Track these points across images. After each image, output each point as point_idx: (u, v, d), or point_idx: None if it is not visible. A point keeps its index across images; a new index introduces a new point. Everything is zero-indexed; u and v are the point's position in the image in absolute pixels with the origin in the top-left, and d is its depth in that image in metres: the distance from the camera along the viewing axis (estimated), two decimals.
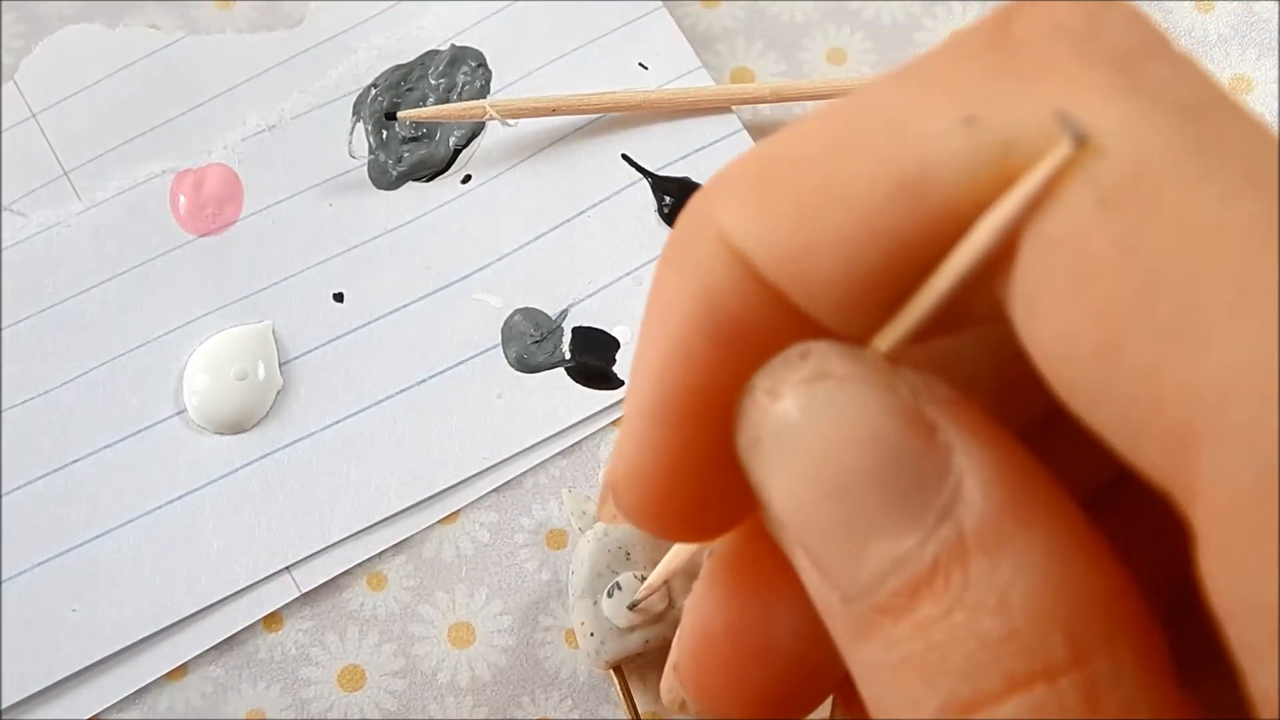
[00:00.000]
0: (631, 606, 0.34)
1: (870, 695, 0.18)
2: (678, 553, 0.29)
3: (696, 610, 0.23)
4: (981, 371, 0.20)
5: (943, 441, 0.17)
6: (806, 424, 0.17)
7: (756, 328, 0.18)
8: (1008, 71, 0.17)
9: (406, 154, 0.40)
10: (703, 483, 0.19)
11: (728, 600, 0.22)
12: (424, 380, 0.38)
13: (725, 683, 0.23)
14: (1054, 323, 0.16)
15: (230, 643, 0.36)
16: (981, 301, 0.17)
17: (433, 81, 0.41)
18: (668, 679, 0.30)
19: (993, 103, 0.16)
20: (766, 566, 0.20)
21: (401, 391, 0.38)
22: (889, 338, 0.17)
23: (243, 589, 0.36)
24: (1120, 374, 0.15)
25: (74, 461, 0.37)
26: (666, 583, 0.34)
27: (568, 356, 0.38)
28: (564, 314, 0.38)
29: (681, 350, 0.18)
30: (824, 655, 0.20)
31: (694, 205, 0.18)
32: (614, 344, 0.38)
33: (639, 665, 0.35)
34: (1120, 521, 0.21)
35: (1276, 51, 0.41)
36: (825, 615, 0.18)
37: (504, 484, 0.37)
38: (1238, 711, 0.17)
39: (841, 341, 0.18)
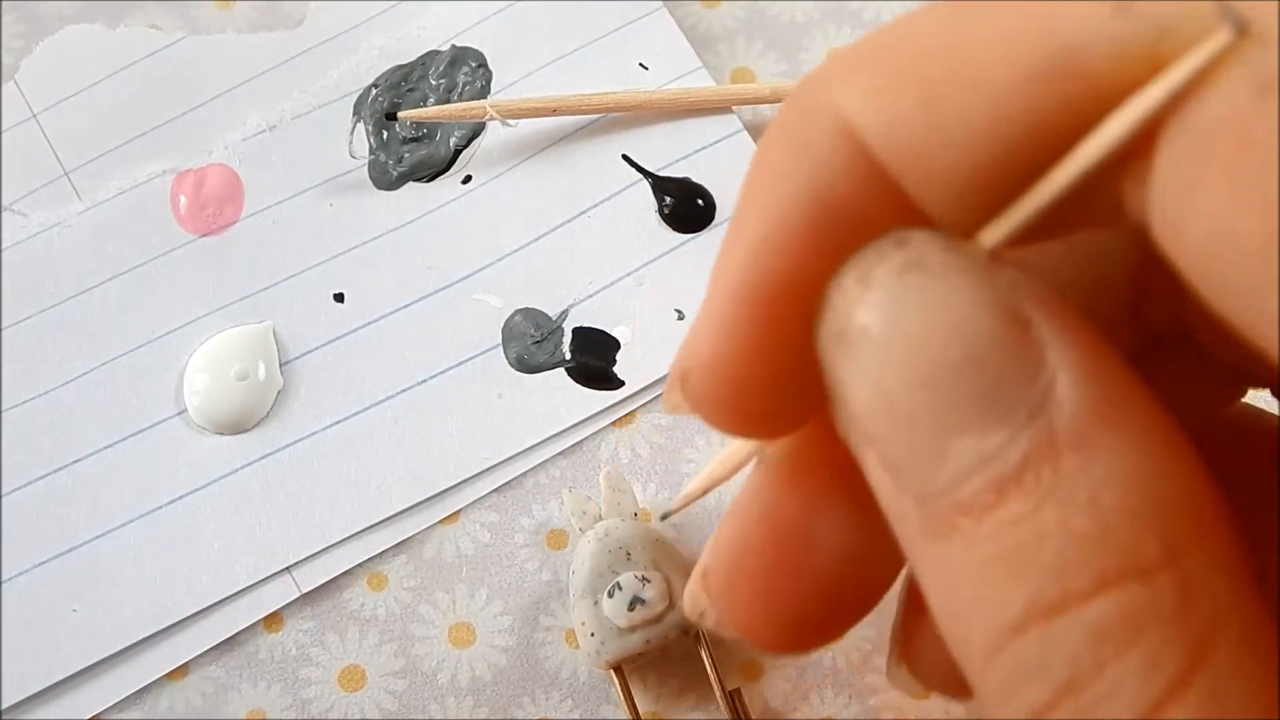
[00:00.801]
0: (664, 517, 0.32)
1: (944, 601, 0.17)
2: (731, 455, 0.27)
3: (737, 516, 0.22)
4: (1083, 288, 0.20)
5: (1037, 338, 0.17)
6: (897, 314, 0.17)
7: (862, 216, 0.17)
8: None
9: (407, 154, 0.40)
10: (780, 375, 0.18)
11: (773, 507, 0.21)
12: (424, 380, 0.38)
13: (758, 596, 0.22)
14: (1208, 218, 0.15)
15: (230, 643, 0.36)
16: (1101, 202, 0.17)
17: (433, 82, 0.41)
18: (692, 587, 0.28)
19: None
20: (819, 478, 0.20)
21: (402, 392, 0.38)
22: (999, 231, 0.17)
23: (243, 589, 0.36)
24: None
25: (74, 461, 0.37)
26: (668, 582, 0.34)
27: (568, 357, 0.38)
28: (564, 314, 0.38)
29: (780, 232, 0.18)
30: (864, 580, 0.20)
31: (810, 84, 0.18)
32: (614, 344, 0.38)
33: (639, 665, 0.35)
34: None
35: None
36: (895, 519, 0.18)
37: (504, 484, 0.37)
38: None
39: (941, 231, 0.17)
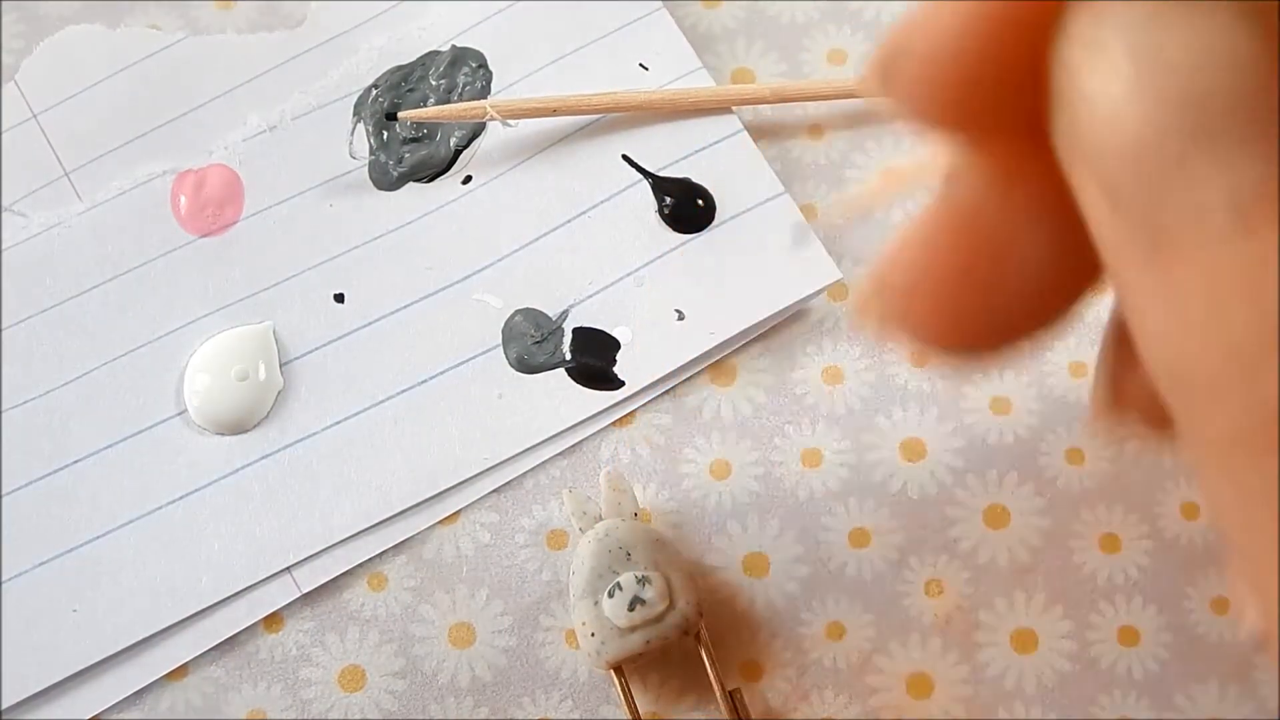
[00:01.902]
0: (851, 206, 0.29)
1: (1162, 331, 0.17)
2: (909, 168, 0.25)
3: (922, 225, 0.21)
4: None
5: None
6: (1159, 31, 0.16)
7: None
8: None
9: (407, 155, 0.40)
10: (1007, 72, 0.18)
11: (968, 216, 0.20)
12: (424, 381, 0.38)
13: (936, 298, 0.21)
14: None
15: (231, 643, 0.36)
16: None
17: (433, 82, 0.41)
18: (865, 285, 0.26)
19: None
20: (1020, 193, 0.19)
21: (402, 392, 0.38)
22: None
23: (243, 589, 0.36)
24: None
25: (74, 462, 0.37)
26: (668, 583, 0.34)
27: (568, 357, 0.38)
28: (564, 314, 0.38)
29: None
30: (1045, 300, 0.19)
31: None
32: (615, 344, 0.38)
33: (639, 665, 0.35)
34: None
35: None
36: (1107, 246, 0.17)
37: (504, 484, 0.37)
38: None
39: None
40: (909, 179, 0.24)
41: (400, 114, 0.39)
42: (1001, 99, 0.18)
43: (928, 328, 0.21)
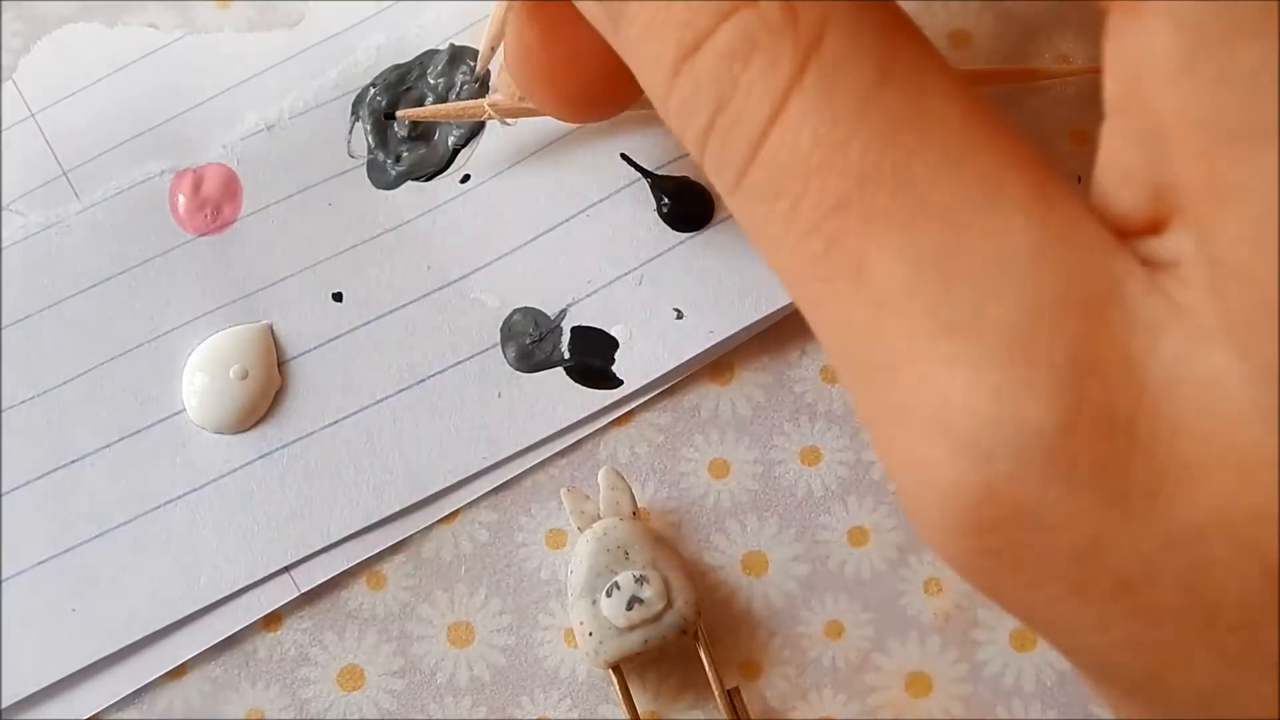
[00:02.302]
0: (477, 81, 0.39)
1: (635, 73, 0.22)
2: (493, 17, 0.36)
3: (515, 31, 0.30)
4: None
5: None
6: None
7: None
8: None
9: (405, 153, 0.40)
10: None
11: (543, 25, 0.29)
12: (423, 380, 0.38)
13: (545, 82, 0.31)
14: None
15: (229, 642, 0.36)
16: None
17: (432, 81, 0.40)
18: (502, 76, 0.36)
19: None
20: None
21: (400, 391, 0.38)
22: None
23: (242, 589, 0.36)
24: None
25: (74, 461, 0.37)
26: (666, 582, 0.34)
27: (567, 356, 0.38)
28: (563, 313, 0.38)
29: None
30: (618, 73, 0.24)
31: None
32: (613, 343, 0.38)
33: (638, 664, 0.35)
34: None
35: None
36: (596, 21, 0.23)
37: (503, 483, 0.37)
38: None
39: None
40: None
41: (398, 113, 0.39)
42: None
43: (548, 103, 0.32)
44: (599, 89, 0.30)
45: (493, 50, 0.37)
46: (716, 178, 0.22)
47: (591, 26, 0.23)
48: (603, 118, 0.34)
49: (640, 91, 0.24)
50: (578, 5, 0.23)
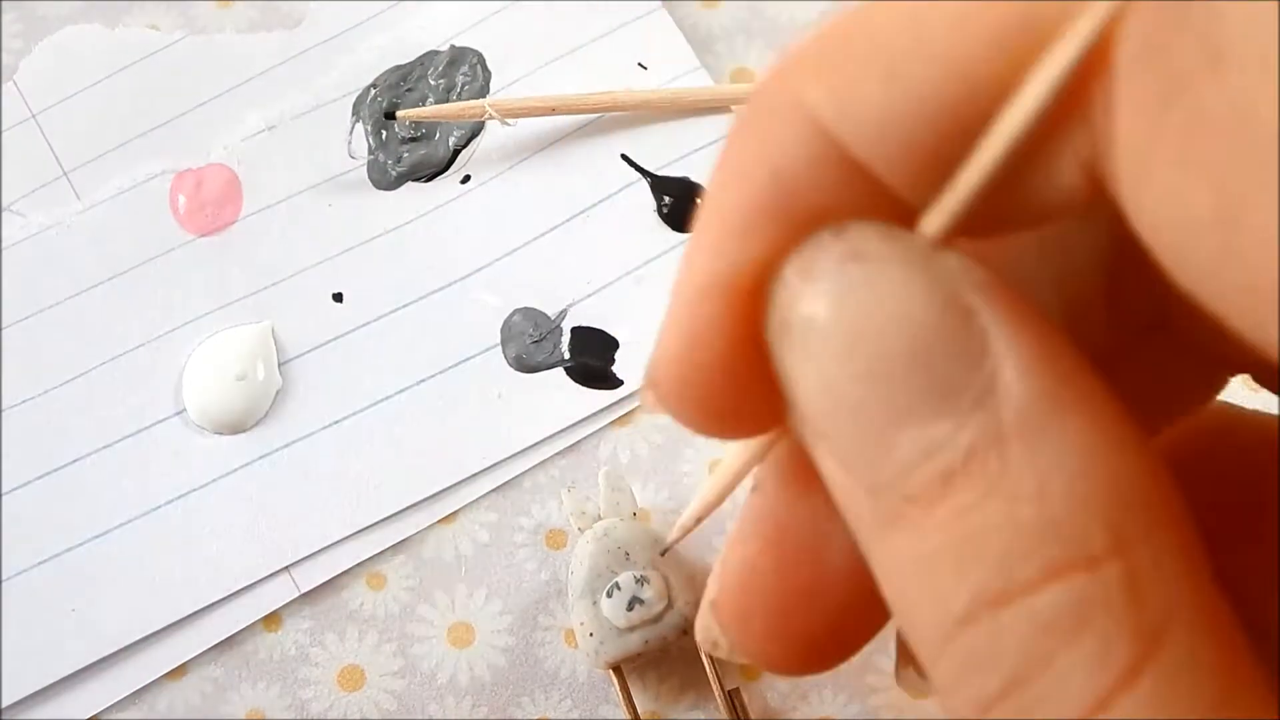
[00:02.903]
0: (664, 552, 0.33)
1: (896, 593, 0.17)
2: (722, 478, 0.26)
3: (741, 541, 0.21)
4: (1055, 278, 0.19)
5: (980, 326, 0.16)
6: (837, 305, 0.17)
7: (830, 206, 0.17)
8: None
9: (406, 154, 0.40)
10: (748, 372, 0.18)
11: (776, 528, 0.21)
12: (423, 380, 0.38)
13: (771, 622, 0.21)
14: (1166, 189, 0.15)
15: (230, 643, 0.36)
16: (1068, 182, 0.16)
17: (432, 82, 0.41)
18: (704, 618, 0.27)
19: None
20: (818, 492, 0.19)
21: (401, 391, 0.38)
22: (940, 217, 0.17)
23: (242, 589, 0.36)
24: (1240, 237, 0.14)
25: (74, 461, 0.37)
26: (666, 582, 0.34)
27: (567, 356, 0.38)
28: (563, 314, 0.38)
29: (744, 226, 0.17)
30: (873, 592, 0.19)
31: (771, 78, 0.17)
32: (613, 344, 0.38)
33: (639, 665, 0.35)
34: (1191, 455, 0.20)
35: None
36: (849, 515, 0.17)
37: (503, 484, 0.37)
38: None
39: (879, 221, 0.17)
40: (729, 487, 0.26)
41: (399, 113, 0.39)
42: (748, 395, 0.19)
43: (766, 651, 0.22)
44: (834, 635, 0.21)
45: (698, 521, 0.28)
46: None
47: (843, 544, 0.19)
48: (822, 671, 0.24)
49: (871, 636, 0.20)
50: (834, 492, 0.18)
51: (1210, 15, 0.14)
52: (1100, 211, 0.16)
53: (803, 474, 0.19)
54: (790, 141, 0.17)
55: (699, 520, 0.27)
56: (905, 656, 0.24)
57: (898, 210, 0.17)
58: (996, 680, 0.16)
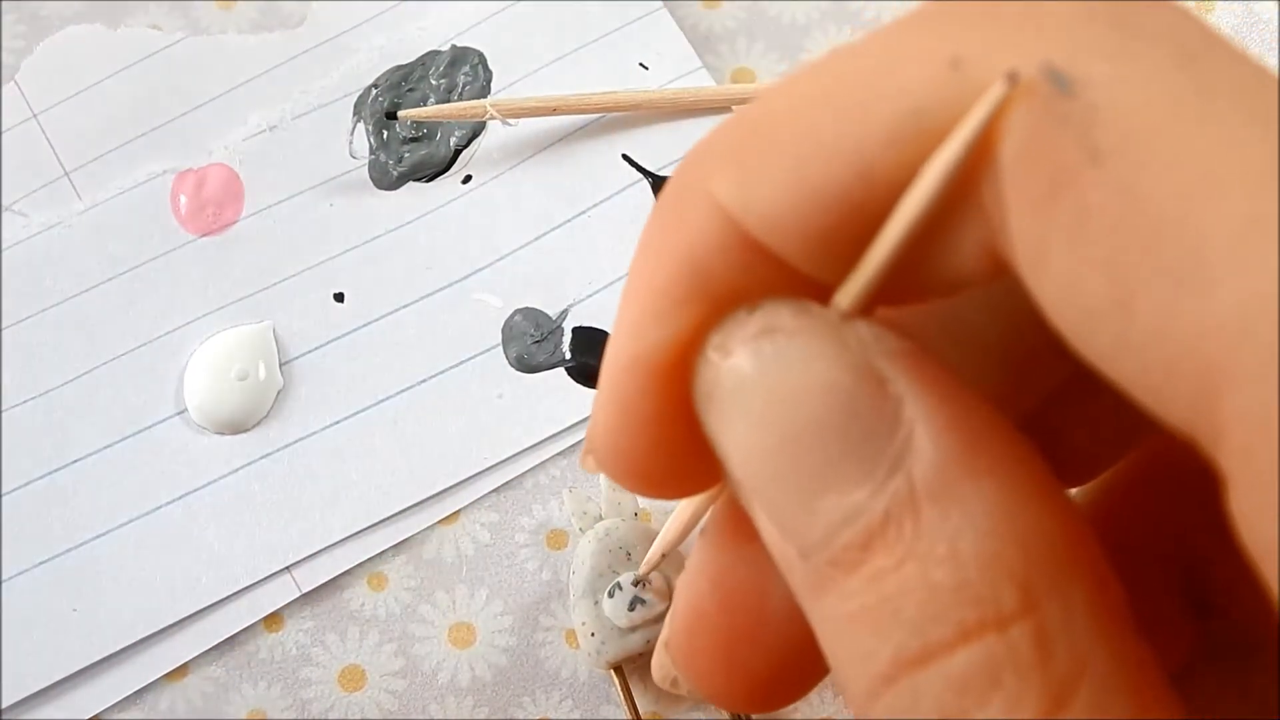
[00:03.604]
0: (637, 583, 0.34)
1: (828, 649, 0.18)
2: (678, 521, 0.29)
3: (689, 587, 0.22)
4: (996, 341, 0.20)
5: (893, 393, 0.17)
6: (755, 378, 0.17)
7: (741, 286, 0.18)
8: (994, 21, 0.16)
9: (407, 154, 0.40)
10: (676, 440, 0.19)
11: (719, 575, 0.22)
12: (424, 380, 0.38)
13: (719, 662, 0.22)
14: (1061, 278, 0.15)
15: (231, 643, 0.36)
16: (972, 259, 0.17)
17: (433, 82, 0.41)
18: (659, 656, 0.30)
19: (978, 47, 0.16)
20: (757, 540, 0.20)
21: (402, 391, 0.38)
22: (851, 290, 0.17)
23: (243, 589, 0.36)
24: (1136, 323, 0.15)
25: (74, 461, 0.37)
26: (667, 582, 0.34)
27: (568, 356, 0.38)
28: (564, 314, 0.38)
29: (661, 308, 0.18)
30: (813, 657, 0.20)
31: (685, 167, 0.18)
32: None
33: (640, 665, 0.35)
34: (1132, 507, 0.20)
35: (1277, 52, 0.41)
36: (786, 572, 0.18)
37: (504, 484, 0.37)
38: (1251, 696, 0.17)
39: (792, 298, 0.18)
40: (686, 528, 0.29)
41: (400, 113, 0.39)
42: (679, 461, 0.19)
43: (718, 691, 0.22)
44: (780, 676, 0.23)
45: (663, 557, 0.32)
46: None
47: (784, 591, 0.19)
48: (775, 709, 0.26)
49: (820, 677, 0.21)
50: (771, 550, 0.18)
51: (1087, 113, 0.15)
52: (1009, 288, 0.17)
53: (744, 524, 0.20)
54: (703, 229, 0.18)
55: (664, 556, 0.30)
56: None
57: (812, 286, 0.18)
58: None
